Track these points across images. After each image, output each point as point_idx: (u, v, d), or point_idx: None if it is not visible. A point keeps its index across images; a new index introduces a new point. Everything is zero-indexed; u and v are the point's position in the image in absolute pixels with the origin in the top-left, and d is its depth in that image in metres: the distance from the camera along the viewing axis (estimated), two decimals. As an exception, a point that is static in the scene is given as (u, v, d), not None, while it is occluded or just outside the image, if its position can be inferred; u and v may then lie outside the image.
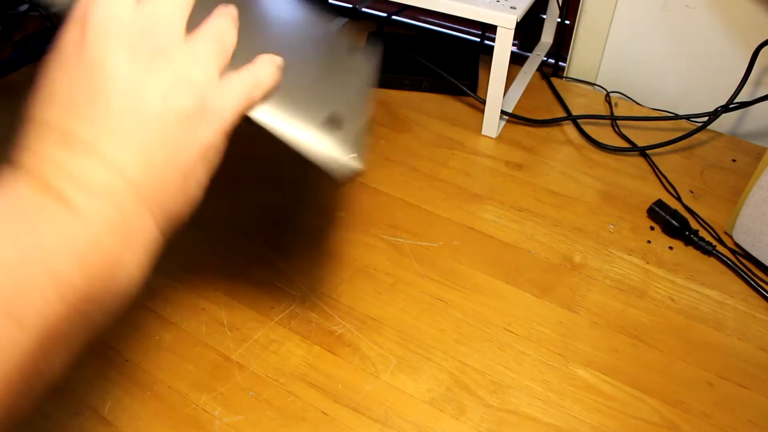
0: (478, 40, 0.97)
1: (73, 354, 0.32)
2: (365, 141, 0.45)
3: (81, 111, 0.33)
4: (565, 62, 0.91)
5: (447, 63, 0.84)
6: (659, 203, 0.67)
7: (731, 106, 0.73)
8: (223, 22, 0.38)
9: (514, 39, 0.71)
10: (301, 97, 0.43)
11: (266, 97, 0.39)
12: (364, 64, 0.51)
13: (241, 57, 0.39)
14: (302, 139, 0.41)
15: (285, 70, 0.41)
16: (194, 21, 0.39)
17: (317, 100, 0.44)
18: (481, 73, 0.86)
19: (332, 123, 0.42)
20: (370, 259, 0.64)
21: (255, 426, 0.51)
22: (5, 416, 0.29)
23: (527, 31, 0.95)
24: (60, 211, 0.31)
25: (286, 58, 0.42)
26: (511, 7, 0.70)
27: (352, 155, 0.42)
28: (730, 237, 0.65)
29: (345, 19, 1.01)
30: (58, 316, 0.30)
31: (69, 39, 0.34)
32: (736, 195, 0.70)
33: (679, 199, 0.71)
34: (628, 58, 0.86)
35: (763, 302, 0.60)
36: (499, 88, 0.75)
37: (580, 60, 0.89)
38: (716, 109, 0.74)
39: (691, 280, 0.62)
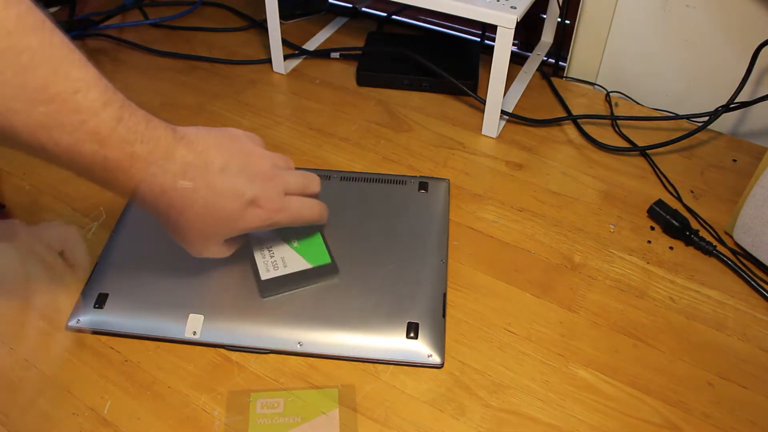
0: (478, 40, 0.97)
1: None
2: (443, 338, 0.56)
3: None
4: (565, 62, 0.90)
5: (447, 63, 0.84)
6: (659, 203, 0.67)
7: (732, 105, 0.73)
8: (315, 180, 0.57)
9: (514, 39, 0.71)
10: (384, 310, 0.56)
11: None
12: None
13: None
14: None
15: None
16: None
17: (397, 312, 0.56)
18: (481, 73, 0.86)
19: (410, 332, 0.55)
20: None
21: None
22: None
23: (527, 30, 0.95)
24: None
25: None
26: (512, 7, 0.70)
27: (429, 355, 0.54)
28: (731, 237, 0.65)
29: (345, 19, 1.01)
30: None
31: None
32: (736, 195, 0.70)
33: (679, 199, 0.71)
34: (629, 58, 0.86)
35: (763, 302, 0.60)
36: (499, 88, 0.75)
37: (580, 60, 0.88)
38: (717, 109, 0.74)
39: (691, 280, 0.62)
